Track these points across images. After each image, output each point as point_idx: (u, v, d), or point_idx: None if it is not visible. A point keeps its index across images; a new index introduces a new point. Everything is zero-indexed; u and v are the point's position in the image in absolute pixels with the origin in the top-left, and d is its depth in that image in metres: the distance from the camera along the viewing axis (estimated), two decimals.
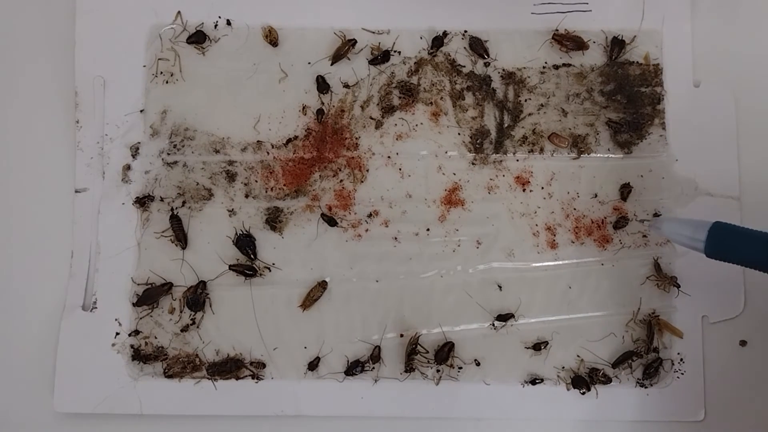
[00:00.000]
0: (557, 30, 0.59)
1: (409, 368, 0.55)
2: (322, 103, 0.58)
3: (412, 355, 0.55)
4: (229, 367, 0.56)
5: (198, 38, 0.58)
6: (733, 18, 0.60)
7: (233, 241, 0.57)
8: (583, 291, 0.57)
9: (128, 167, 0.58)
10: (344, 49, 0.58)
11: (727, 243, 0.47)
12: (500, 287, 0.57)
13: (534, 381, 0.56)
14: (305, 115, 0.58)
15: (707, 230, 0.47)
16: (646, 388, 0.56)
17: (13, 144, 0.58)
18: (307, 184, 0.58)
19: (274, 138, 0.58)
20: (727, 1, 0.60)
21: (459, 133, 0.58)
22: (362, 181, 0.58)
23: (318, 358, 0.56)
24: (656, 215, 0.57)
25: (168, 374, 0.56)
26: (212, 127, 0.58)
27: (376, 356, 0.56)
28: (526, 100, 0.58)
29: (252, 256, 0.57)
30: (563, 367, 0.56)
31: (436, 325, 0.56)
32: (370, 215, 0.57)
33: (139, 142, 0.58)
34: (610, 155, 0.58)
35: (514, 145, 0.58)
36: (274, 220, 0.57)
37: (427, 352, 0.56)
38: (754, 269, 0.46)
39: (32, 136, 0.58)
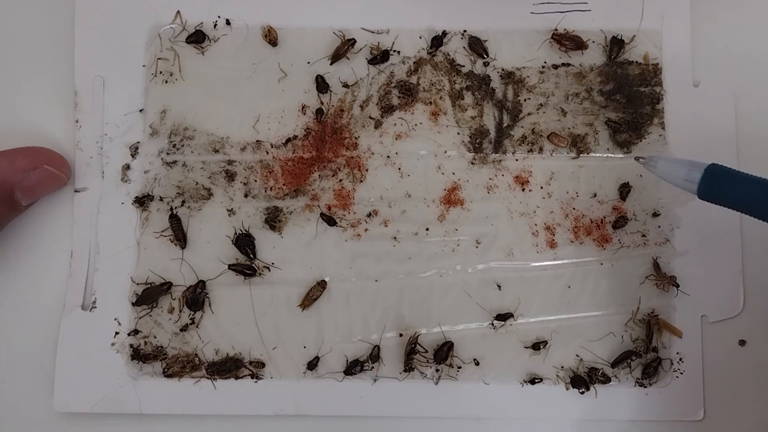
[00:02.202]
0: (556, 29, 0.59)
1: (408, 368, 0.55)
2: (322, 103, 0.58)
3: (411, 355, 0.55)
4: (228, 367, 0.56)
5: (197, 38, 0.58)
6: (732, 17, 0.60)
7: (232, 241, 0.57)
8: (582, 290, 0.57)
9: (128, 167, 0.58)
10: (343, 49, 0.58)
11: (721, 185, 0.46)
12: (499, 287, 0.57)
13: (533, 380, 0.56)
14: (304, 114, 0.58)
15: (702, 171, 0.47)
16: (645, 387, 0.56)
17: (12, 144, 0.58)
18: (307, 183, 0.58)
19: (273, 138, 0.58)
20: (726, 1, 0.60)
21: (458, 133, 0.58)
22: (361, 181, 0.58)
23: (317, 358, 0.56)
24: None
25: (167, 374, 0.56)
26: (211, 126, 0.58)
27: (375, 356, 0.56)
28: (525, 100, 0.58)
29: (251, 256, 0.57)
30: (562, 367, 0.56)
31: (436, 325, 0.57)
32: (369, 215, 0.57)
33: (138, 142, 0.58)
34: (610, 155, 0.58)
35: (514, 145, 0.58)
36: (274, 220, 0.57)
37: (427, 351, 0.56)
38: (745, 213, 0.46)
39: (32, 136, 0.58)
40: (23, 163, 0.54)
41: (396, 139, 0.58)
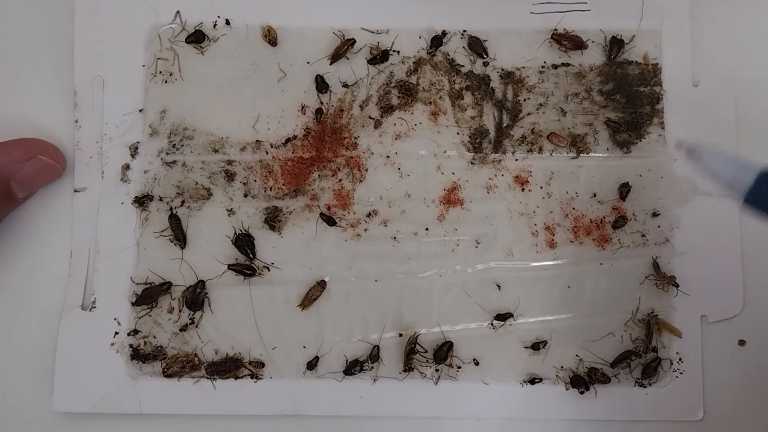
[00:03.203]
0: (556, 29, 0.59)
1: (408, 368, 0.55)
2: (321, 103, 0.58)
3: (411, 355, 0.55)
4: (228, 367, 0.56)
5: (197, 38, 0.58)
6: (732, 17, 0.60)
7: (232, 241, 0.57)
8: (581, 290, 0.57)
9: (127, 167, 0.58)
10: (343, 49, 0.58)
11: None
12: (499, 287, 0.57)
13: (533, 380, 0.56)
14: (304, 114, 0.58)
15: (756, 174, 0.41)
16: (644, 387, 0.56)
17: None
18: (306, 183, 0.58)
19: (273, 137, 0.58)
20: (726, 1, 0.60)
21: (458, 133, 0.58)
22: (361, 181, 0.58)
23: (317, 358, 0.56)
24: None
25: (167, 374, 0.56)
26: (211, 126, 0.58)
27: (375, 356, 0.56)
28: (525, 100, 0.58)
29: (251, 256, 0.57)
30: (562, 367, 0.56)
31: (435, 325, 0.57)
32: (369, 215, 0.57)
33: (138, 142, 0.58)
34: (609, 155, 0.58)
35: (513, 145, 0.58)
36: (273, 220, 0.57)
37: (426, 351, 0.56)
38: None
39: (31, 135, 0.58)
40: (17, 154, 0.54)
41: (396, 139, 0.58)
